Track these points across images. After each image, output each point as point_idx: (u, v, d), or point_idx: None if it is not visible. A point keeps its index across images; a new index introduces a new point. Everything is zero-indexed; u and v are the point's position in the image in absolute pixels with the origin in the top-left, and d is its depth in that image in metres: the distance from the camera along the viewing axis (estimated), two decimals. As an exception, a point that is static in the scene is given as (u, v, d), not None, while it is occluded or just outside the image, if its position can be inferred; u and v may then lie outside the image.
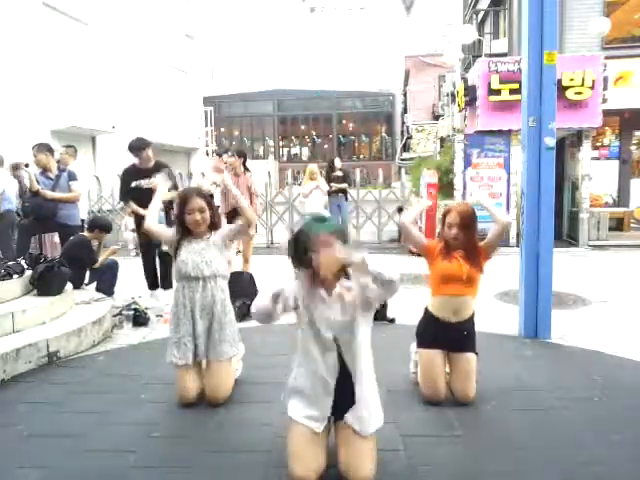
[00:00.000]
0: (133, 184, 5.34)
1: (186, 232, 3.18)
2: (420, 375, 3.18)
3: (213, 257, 3.16)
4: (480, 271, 3.17)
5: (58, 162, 7.15)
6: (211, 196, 9.59)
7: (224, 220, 6.02)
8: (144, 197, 5.12)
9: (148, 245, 5.52)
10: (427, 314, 3.23)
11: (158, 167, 5.30)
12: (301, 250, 2.18)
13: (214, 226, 3.22)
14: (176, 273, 3.19)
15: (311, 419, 2.30)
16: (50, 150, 6.11)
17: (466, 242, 3.10)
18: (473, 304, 3.20)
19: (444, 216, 3.16)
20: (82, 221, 6.62)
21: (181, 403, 3.10)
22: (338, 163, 9.72)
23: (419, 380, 3.20)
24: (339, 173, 9.62)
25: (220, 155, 9.54)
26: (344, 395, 2.28)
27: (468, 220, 3.08)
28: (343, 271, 2.22)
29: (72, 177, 6.06)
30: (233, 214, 5.93)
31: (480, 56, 11.95)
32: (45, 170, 6.01)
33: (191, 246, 3.15)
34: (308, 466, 2.23)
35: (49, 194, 5.84)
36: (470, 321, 3.19)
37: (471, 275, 3.11)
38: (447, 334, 3.11)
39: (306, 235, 2.17)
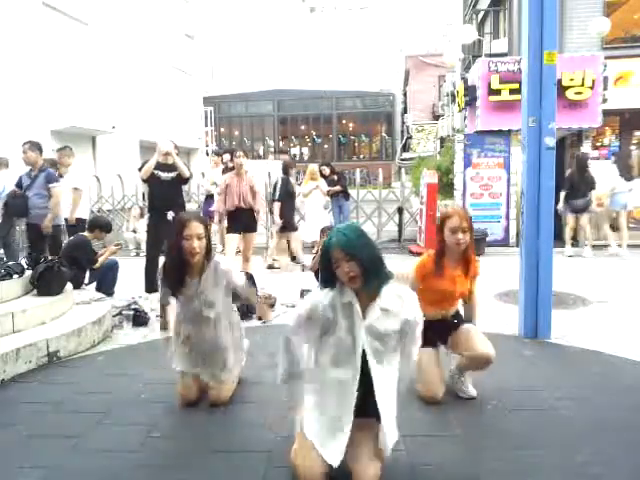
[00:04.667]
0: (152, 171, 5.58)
1: (180, 265, 2.98)
2: (417, 375, 3.15)
3: (214, 297, 3.05)
4: (474, 277, 3.18)
5: (57, 163, 7.16)
6: (211, 196, 9.58)
7: (224, 219, 6.05)
8: (160, 187, 5.47)
9: (156, 246, 5.56)
10: None
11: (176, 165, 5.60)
12: (328, 263, 2.20)
13: (208, 256, 3.03)
14: (179, 315, 3.13)
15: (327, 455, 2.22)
16: (40, 149, 6.15)
17: (467, 246, 3.05)
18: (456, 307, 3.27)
19: (443, 221, 3.05)
20: (83, 221, 6.62)
21: (182, 402, 3.10)
22: (325, 170, 9.67)
23: (416, 381, 3.17)
24: (333, 177, 9.62)
25: (219, 155, 9.56)
26: (365, 411, 2.24)
27: (470, 222, 3.03)
28: (378, 291, 2.21)
29: (50, 179, 6.06)
30: (234, 214, 5.93)
31: (480, 56, 11.96)
32: (32, 169, 6.10)
33: (187, 291, 3.02)
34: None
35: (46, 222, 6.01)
36: (457, 311, 3.27)
37: (463, 290, 3.13)
38: (437, 329, 3.12)
39: (326, 249, 2.20)
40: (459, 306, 3.28)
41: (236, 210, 5.92)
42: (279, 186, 7.65)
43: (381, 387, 2.24)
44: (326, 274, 2.24)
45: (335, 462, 2.18)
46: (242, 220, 5.92)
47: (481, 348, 3.05)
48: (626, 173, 8.80)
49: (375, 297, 2.22)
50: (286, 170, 8.04)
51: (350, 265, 2.13)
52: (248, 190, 5.92)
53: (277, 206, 7.51)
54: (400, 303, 2.25)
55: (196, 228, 2.91)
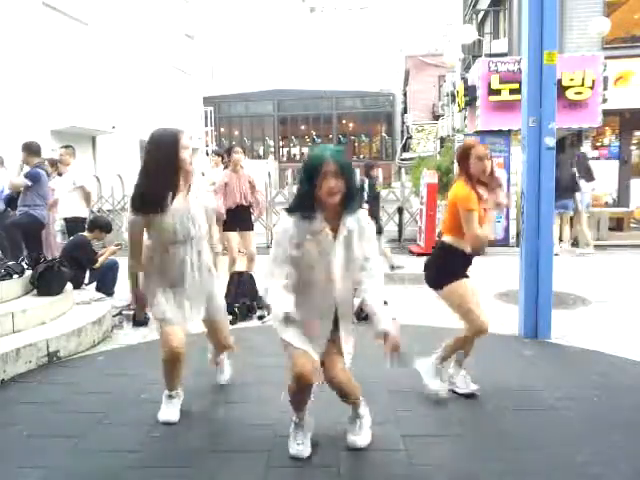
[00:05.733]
0: None
1: (173, 180, 2.80)
2: (470, 306, 3.04)
3: (198, 216, 2.91)
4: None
5: (57, 163, 7.17)
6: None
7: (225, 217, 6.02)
8: None
9: None
10: (451, 249, 3.11)
11: None
12: (310, 175, 2.29)
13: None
14: (160, 238, 2.87)
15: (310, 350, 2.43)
16: (32, 150, 6.17)
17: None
18: None
19: (467, 151, 3.07)
20: (83, 220, 6.62)
21: (171, 352, 2.82)
22: None
23: (470, 312, 3.04)
24: None
25: (219, 155, 9.54)
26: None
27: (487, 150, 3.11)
28: (343, 208, 2.35)
29: (27, 174, 6.10)
30: (233, 212, 5.89)
31: (480, 56, 11.96)
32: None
33: (174, 207, 2.81)
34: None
35: None
36: None
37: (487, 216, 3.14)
38: (467, 264, 3.15)
39: (317, 160, 2.29)
40: None
41: (236, 208, 5.88)
42: (366, 188, 7.37)
43: (342, 300, 2.49)
44: (306, 194, 2.32)
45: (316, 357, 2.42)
46: (241, 218, 5.89)
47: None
48: (586, 174, 9.03)
49: (340, 224, 2.37)
50: (368, 172, 7.79)
51: (337, 182, 2.26)
52: (248, 187, 5.91)
53: (366, 208, 7.40)
54: (362, 233, 2.43)
55: (188, 139, 2.86)
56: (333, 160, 2.26)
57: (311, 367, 2.37)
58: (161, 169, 2.76)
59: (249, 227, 6.11)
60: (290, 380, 2.43)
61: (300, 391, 2.42)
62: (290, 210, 2.39)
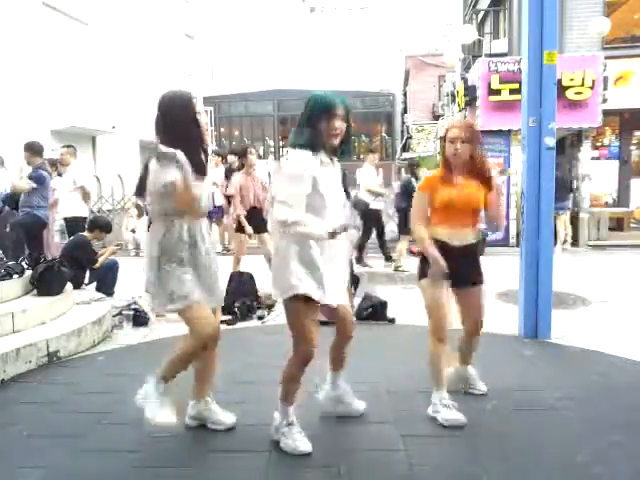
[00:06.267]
0: None
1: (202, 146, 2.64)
2: (427, 309, 2.88)
3: (208, 187, 2.76)
4: (488, 189, 2.89)
5: (57, 163, 7.18)
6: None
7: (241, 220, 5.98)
8: None
9: None
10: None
11: None
12: (319, 115, 2.43)
13: None
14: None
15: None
16: (33, 150, 6.19)
17: (470, 158, 2.83)
18: (478, 233, 2.94)
19: (445, 134, 2.93)
20: (83, 220, 6.63)
21: (210, 339, 2.60)
22: None
23: (427, 315, 2.88)
24: None
25: (220, 155, 9.55)
26: None
27: (469, 132, 2.82)
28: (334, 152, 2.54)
29: (31, 175, 6.13)
30: (248, 215, 5.83)
31: (480, 56, 11.95)
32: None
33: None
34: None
35: None
36: (475, 247, 2.92)
37: (478, 204, 2.87)
38: (451, 260, 2.76)
39: (330, 103, 2.44)
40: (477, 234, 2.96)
41: (250, 210, 5.83)
42: (415, 187, 7.41)
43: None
44: (312, 131, 2.45)
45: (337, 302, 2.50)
46: (255, 220, 5.84)
47: (476, 321, 2.99)
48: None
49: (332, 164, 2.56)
50: (414, 171, 7.85)
51: (342, 125, 2.47)
52: (261, 189, 5.88)
53: None
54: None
55: (200, 103, 2.78)
56: (343, 105, 2.45)
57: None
58: (190, 130, 2.54)
59: (265, 229, 6.01)
60: (295, 358, 2.49)
61: (304, 367, 2.49)
62: (302, 144, 2.44)
